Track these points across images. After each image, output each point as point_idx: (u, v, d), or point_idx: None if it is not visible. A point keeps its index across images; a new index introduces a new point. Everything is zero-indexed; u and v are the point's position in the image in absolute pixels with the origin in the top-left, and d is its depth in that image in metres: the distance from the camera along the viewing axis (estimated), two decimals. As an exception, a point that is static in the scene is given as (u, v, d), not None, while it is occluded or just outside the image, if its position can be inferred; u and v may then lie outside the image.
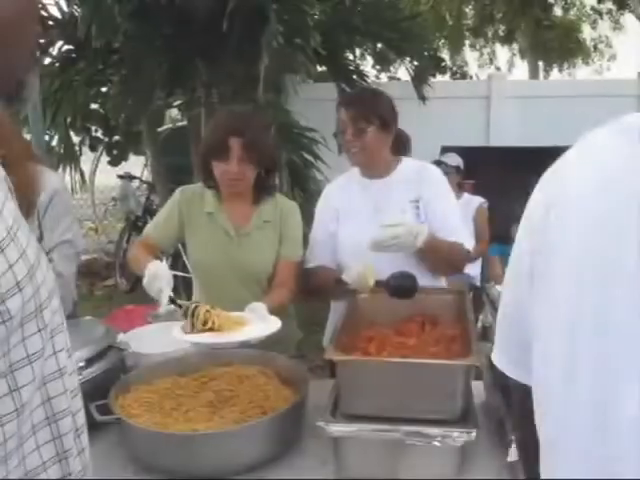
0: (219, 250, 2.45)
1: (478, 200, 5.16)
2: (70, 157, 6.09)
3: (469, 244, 2.38)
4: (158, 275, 2.15)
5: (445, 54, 19.71)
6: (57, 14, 5.33)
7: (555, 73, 19.59)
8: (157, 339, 2.34)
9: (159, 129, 7.63)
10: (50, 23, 5.26)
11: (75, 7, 4.85)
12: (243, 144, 2.30)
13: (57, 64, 5.59)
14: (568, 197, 0.90)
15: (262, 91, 4.19)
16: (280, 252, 2.50)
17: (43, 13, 5.07)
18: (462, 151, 5.94)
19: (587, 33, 19.04)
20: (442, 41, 19.39)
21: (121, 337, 2.32)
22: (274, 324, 2.04)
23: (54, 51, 5.55)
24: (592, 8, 18.15)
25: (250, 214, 2.50)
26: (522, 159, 5.97)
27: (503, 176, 5.83)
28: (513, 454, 1.58)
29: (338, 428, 1.61)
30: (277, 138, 4.39)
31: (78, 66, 5.46)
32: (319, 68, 6.43)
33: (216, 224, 2.47)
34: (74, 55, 5.43)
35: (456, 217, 2.48)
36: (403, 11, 5.68)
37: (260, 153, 2.36)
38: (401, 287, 2.06)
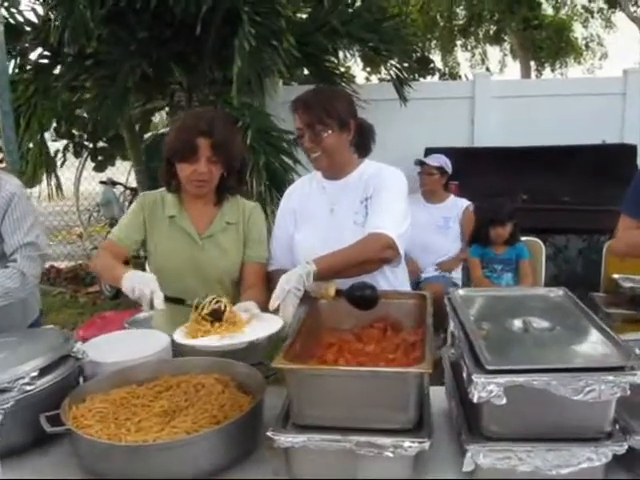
0: (182, 254, 2.42)
1: (464, 202, 5.12)
2: (45, 163, 6.03)
3: (393, 231, 2.24)
4: (145, 278, 2.13)
5: (437, 55, 19.76)
6: (34, 19, 5.30)
7: (547, 72, 19.59)
8: (121, 347, 2.30)
9: (147, 135, 7.61)
10: (27, 29, 5.22)
11: (51, 12, 4.80)
12: (211, 144, 2.28)
13: (31, 70, 5.52)
14: None
15: (238, 94, 4.14)
16: (246, 254, 2.47)
17: (19, 18, 5.05)
18: (446, 152, 5.92)
19: (579, 32, 19.08)
20: (433, 42, 19.41)
21: (83, 345, 2.29)
22: (275, 322, 1.96)
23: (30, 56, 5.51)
24: (583, 7, 18.18)
25: (213, 216, 2.47)
26: (506, 159, 5.97)
27: (487, 177, 5.81)
28: (468, 464, 1.54)
29: (287, 439, 1.57)
30: (255, 141, 4.37)
31: (54, 71, 5.42)
32: (305, 71, 6.41)
33: (178, 227, 2.44)
34: (49, 61, 5.39)
35: (386, 207, 2.31)
36: (383, 12, 5.62)
37: (228, 154, 2.35)
38: (362, 297, 2.01)
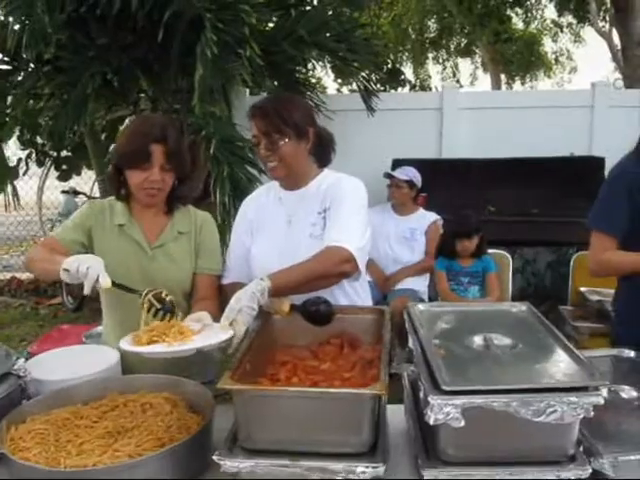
0: (131, 263, 2.33)
1: (433, 216, 5.06)
2: (3, 173, 5.86)
3: (352, 245, 2.14)
4: (93, 258, 2.04)
5: (409, 67, 19.85)
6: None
7: (518, 86, 19.76)
8: (67, 363, 2.21)
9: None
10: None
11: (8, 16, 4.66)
12: (165, 151, 2.22)
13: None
14: None
15: (200, 103, 4.04)
16: (198, 265, 2.39)
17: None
18: (414, 163, 5.87)
19: (548, 46, 19.27)
20: (405, 54, 19.51)
21: (29, 362, 2.19)
22: (227, 332, 1.83)
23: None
24: (553, 21, 18.35)
25: (164, 225, 2.39)
26: (474, 171, 5.94)
27: (455, 189, 5.77)
28: (424, 488, 1.46)
29: (234, 464, 1.48)
30: (219, 151, 4.28)
31: (13, 78, 5.28)
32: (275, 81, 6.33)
33: (128, 237, 2.35)
34: (7, 66, 5.25)
35: (345, 220, 2.22)
36: (353, 22, 5.57)
37: (181, 161, 2.29)
38: (317, 312, 1.92)
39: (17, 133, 6.84)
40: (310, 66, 6.43)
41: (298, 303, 1.98)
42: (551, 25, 18.53)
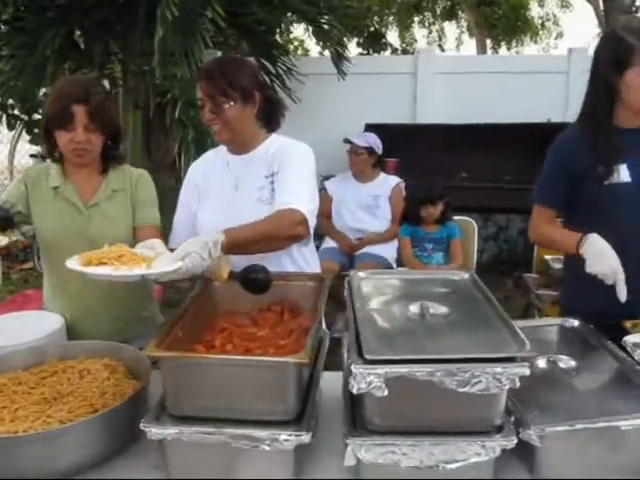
0: (68, 224, 2.31)
1: (395, 180, 5.07)
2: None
3: (304, 207, 2.12)
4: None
5: (394, 31, 19.69)
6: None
7: (503, 50, 19.62)
8: (11, 329, 2.19)
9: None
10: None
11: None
12: (88, 111, 2.20)
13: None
14: None
15: (161, 65, 3.96)
16: (137, 218, 2.38)
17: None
18: (387, 128, 5.84)
19: (535, 11, 19.11)
20: (391, 18, 19.32)
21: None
22: (176, 263, 1.77)
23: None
24: (540, -15, 18.21)
25: (98, 185, 2.38)
26: (448, 137, 5.91)
27: (428, 154, 5.74)
28: (349, 459, 1.45)
29: (159, 430, 1.47)
30: (184, 114, 4.22)
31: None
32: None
33: (63, 198, 2.34)
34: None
35: (295, 184, 2.21)
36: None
37: (105, 121, 2.26)
38: (255, 280, 1.90)
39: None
40: (290, 29, 6.35)
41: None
42: (538, -11, 18.42)
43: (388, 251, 4.79)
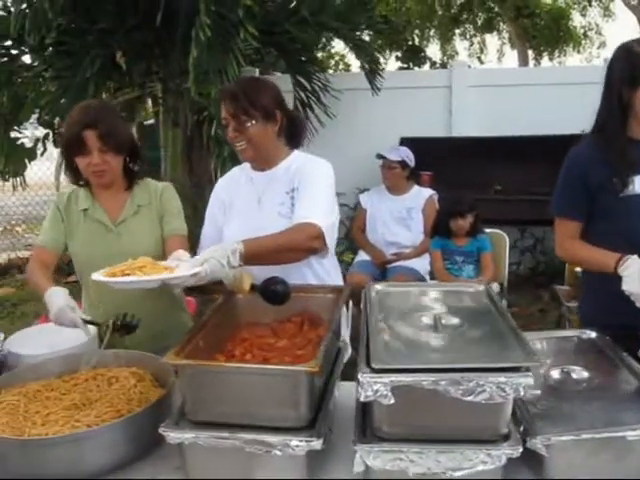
0: (100, 244, 2.43)
1: (428, 192, 5.11)
2: (12, 154, 5.95)
3: (321, 221, 2.20)
4: (60, 307, 2.14)
5: (436, 44, 19.68)
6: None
7: (545, 61, 19.49)
8: (47, 339, 2.29)
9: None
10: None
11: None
12: (98, 135, 2.30)
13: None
14: None
15: (196, 84, 4.08)
16: (165, 230, 2.49)
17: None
18: (422, 142, 5.87)
19: (577, 20, 18.93)
20: (432, 31, 19.31)
21: (10, 337, 2.29)
22: (197, 267, 1.87)
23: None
24: (581, -5, 18.04)
25: (124, 202, 2.50)
26: (483, 149, 5.91)
27: (463, 167, 5.75)
28: (357, 465, 1.50)
29: (177, 435, 1.54)
30: (218, 131, 4.32)
31: (19, 62, 5.35)
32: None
33: (93, 219, 2.46)
34: (12, 51, 5.31)
35: (313, 199, 2.29)
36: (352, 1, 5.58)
37: (118, 141, 2.37)
38: (274, 292, 1.97)
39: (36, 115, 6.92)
40: (327, 46, 6.44)
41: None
42: (580, -1, 18.25)
43: (421, 264, 4.82)
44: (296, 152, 2.48)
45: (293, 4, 4.97)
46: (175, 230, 2.49)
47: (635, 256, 2.15)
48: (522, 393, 1.43)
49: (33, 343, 2.26)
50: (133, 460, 1.71)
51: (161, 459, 1.72)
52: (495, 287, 4.26)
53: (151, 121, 7.51)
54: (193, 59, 3.94)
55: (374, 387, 1.43)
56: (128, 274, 1.84)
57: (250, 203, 2.43)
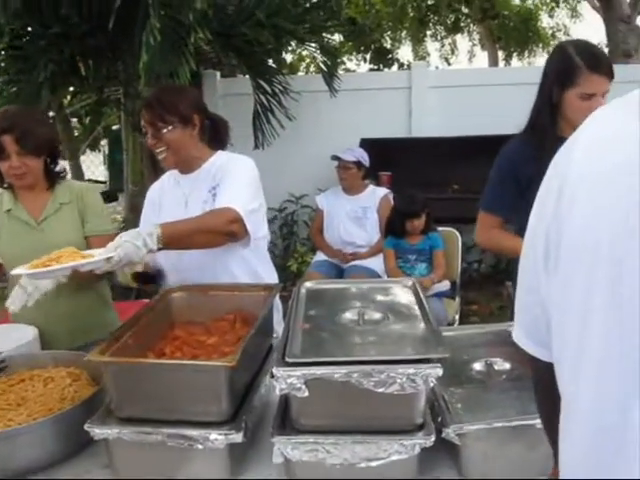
0: (24, 242, 2.50)
1: (382, 191, 5.17)
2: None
3: (240, 207, 2.24)
4: None
5: (408, 45, 19.78)
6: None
7: (515, 62, 19.65)
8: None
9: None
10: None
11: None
12: (15, 140, 2.37)
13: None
14: (573, 172, 0.90)
15: (145, 89, 4.11)
16: (87, 229, 2.56)
17: None
18: (382, 143, 5.93)
19: (545, 21, 19.10)
20: (404, 33, 19.39)
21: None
22: (110, 252, 1.90)
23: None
24: (549, -4, 18.21)
25: (46, 201, 2.56)
26: (443, 150, 5.97)
27: (422, 167, 5.81)
28: (276, 457, 1.55)
29: (102, 431, 1.58)
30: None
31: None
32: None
33: (16, 219, 2.54)
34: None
35: (233, 188, 2.34)
36: (307, 3, 5.63)
37: (36, 144, 2.43)
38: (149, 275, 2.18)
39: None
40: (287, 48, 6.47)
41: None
42: (548, 0, 18.39)
43: (377, 263, 4.85)
44: (220, 152, 2.55)
45: (250, 7, 4.98)
46: (98, 231, 2.56)
47: None
48: (431, 384, 1.49)
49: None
50: (65, 458, 1.74)
51: (93, 457, 1.75)
52: (445, 284, 4.33)
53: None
54: (143, 63, 3.96)
55: (288, 380, 1.47)
56: (49, 265, 1.88)
57: (178, 206, 2.49)
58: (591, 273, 0.84)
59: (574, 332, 0.89)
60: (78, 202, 2.57)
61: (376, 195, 5.13)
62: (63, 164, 2.65)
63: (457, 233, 4.71)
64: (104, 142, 10.03)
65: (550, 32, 19.30)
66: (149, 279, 2.47)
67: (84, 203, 2.58)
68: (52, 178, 2.58)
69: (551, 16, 18.87)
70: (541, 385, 1.14)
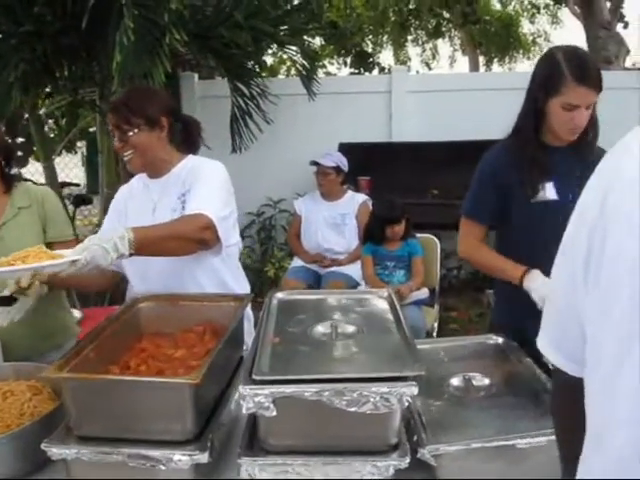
0: None
1: (361, 197, 5.11)
2: None
3: (212, 214, 2.16)
4: None
5: (389, 50, 19.80)
6: None
7: (496, 68, 19.70)
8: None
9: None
10: None
11: None
12: None
13: None
14: (623, 181, 0.86)
15: (119, 89, 4.01)
16: (49, 236, 2.45)
17: None
18: (360, 147, 5.88)
19: (526, 27, 19.21)
20: (385, 37, 19.41)
21: None
22: (77, 255, 1.82)
23: None
24: (530, 2, 18.28)
25: (4, 205, 2.46)
26: (423, 155, 5.93)
27: (402, 173, 5.77)
28: (244, 478, 1.48)
29: (60, 450, 1.50)
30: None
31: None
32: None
33: None
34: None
35: (203, 194, 2.26)
36: (288, 5, 5.58)
37: None
38: None
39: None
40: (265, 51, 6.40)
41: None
42: (529, 6, 18.48)
43: (355, 270, 4.77)
44: (190, 156, 2.46)
45: (228, 9, 4.90)
46: (60, 237, 2.47)
47: (538, 270, 2.18)
48: (406, 404, 1.42)
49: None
50: (26, 475, 1.66)
51: (55, 474, 1.65)
52: (424, 292, 4.27)
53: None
54: (117, 63, 3.88)
55: (255, 399, 1.41)
56: (13, 264, 1.80)
57: (145, 213, 2.39)
58: (634, 286, 0.80)
59: (610, 354, 0.85)
60: (39, 207, 2.47)
61: (355, 201, 5.06)
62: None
63: (436, 240, 4.66)
64: (81, 144, 9.88)
65: (531, 38, 19.43)
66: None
67: (45, 209, 2.48)
68: (8, 181, 2.48)
69: (532, 22, 18.99)
70: (562, 398, 1.10)
